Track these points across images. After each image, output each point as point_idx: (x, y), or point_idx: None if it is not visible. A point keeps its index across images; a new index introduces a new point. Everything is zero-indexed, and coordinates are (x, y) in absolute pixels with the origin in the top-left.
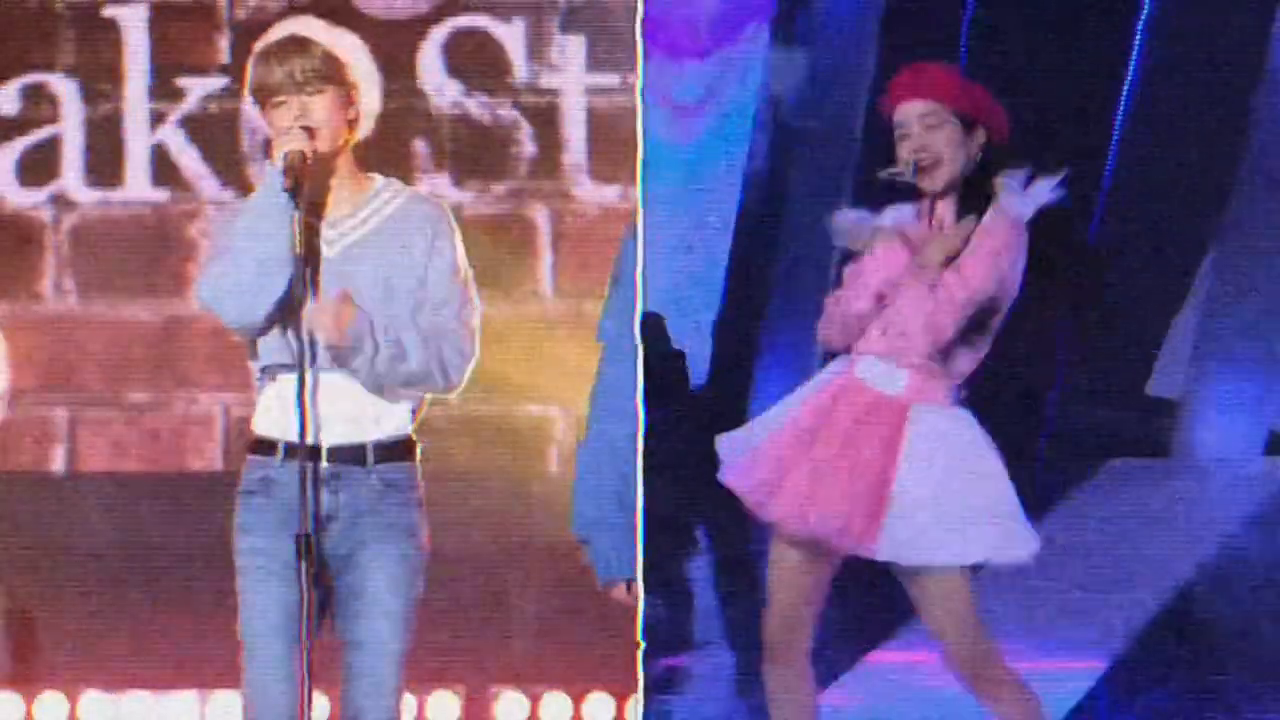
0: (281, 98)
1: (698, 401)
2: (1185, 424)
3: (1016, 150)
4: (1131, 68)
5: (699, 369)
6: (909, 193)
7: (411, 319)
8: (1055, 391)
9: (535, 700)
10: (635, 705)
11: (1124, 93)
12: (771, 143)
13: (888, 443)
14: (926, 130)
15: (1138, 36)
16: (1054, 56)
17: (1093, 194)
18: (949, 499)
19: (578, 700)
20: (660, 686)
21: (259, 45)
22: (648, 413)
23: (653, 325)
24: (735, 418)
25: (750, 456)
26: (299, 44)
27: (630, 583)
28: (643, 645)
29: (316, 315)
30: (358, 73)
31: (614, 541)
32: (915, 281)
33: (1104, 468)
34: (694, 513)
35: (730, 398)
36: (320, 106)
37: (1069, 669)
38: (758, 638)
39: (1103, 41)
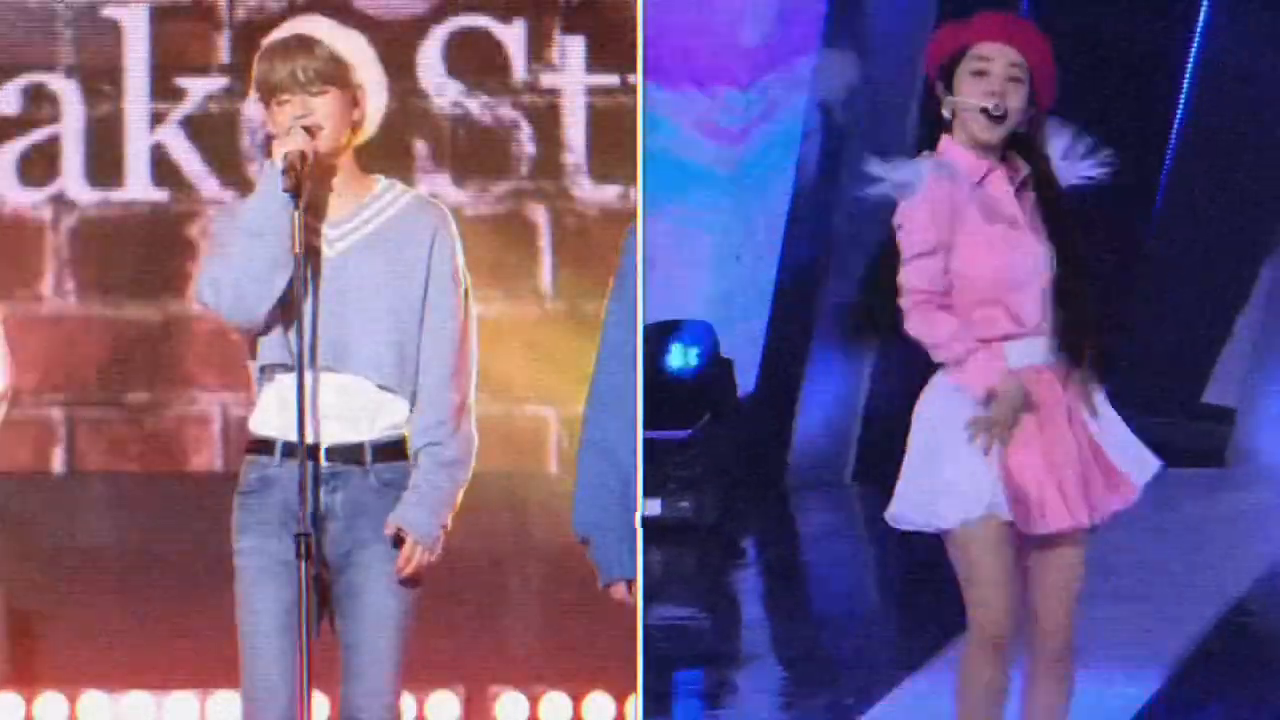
0: (285, 96)
1: (746, 409)
2: (1242, 432)
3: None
4: (1189, 75)
5: (747, 377)
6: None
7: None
8: (1109, 399)
9: (535, 700)
10: (635, 705)
11: (1182, 100)
12: (821, 149)
13: (1078, 410)
14: (1010, 81)
15: (1196, 42)
16: (1112, 66)
17: (1150, 200)
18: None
19: (578, 700)
20: (708, 699)
21: (265, 42)
22: (694, 421)
23: (700, 332)
24: (783, 426)
25: (1012, 495)
26: (304, 43)
27: (630, 583)
28: (640, 659)
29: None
30: (364, 75)
31: (614, 541)
32: (1035, 248)
33: (1160, 477)
34: (740, 523)
35: (779, 406)
36: (323, 106)
37: (1124, 682)
38: (804, 651)
39: (1161, 47)
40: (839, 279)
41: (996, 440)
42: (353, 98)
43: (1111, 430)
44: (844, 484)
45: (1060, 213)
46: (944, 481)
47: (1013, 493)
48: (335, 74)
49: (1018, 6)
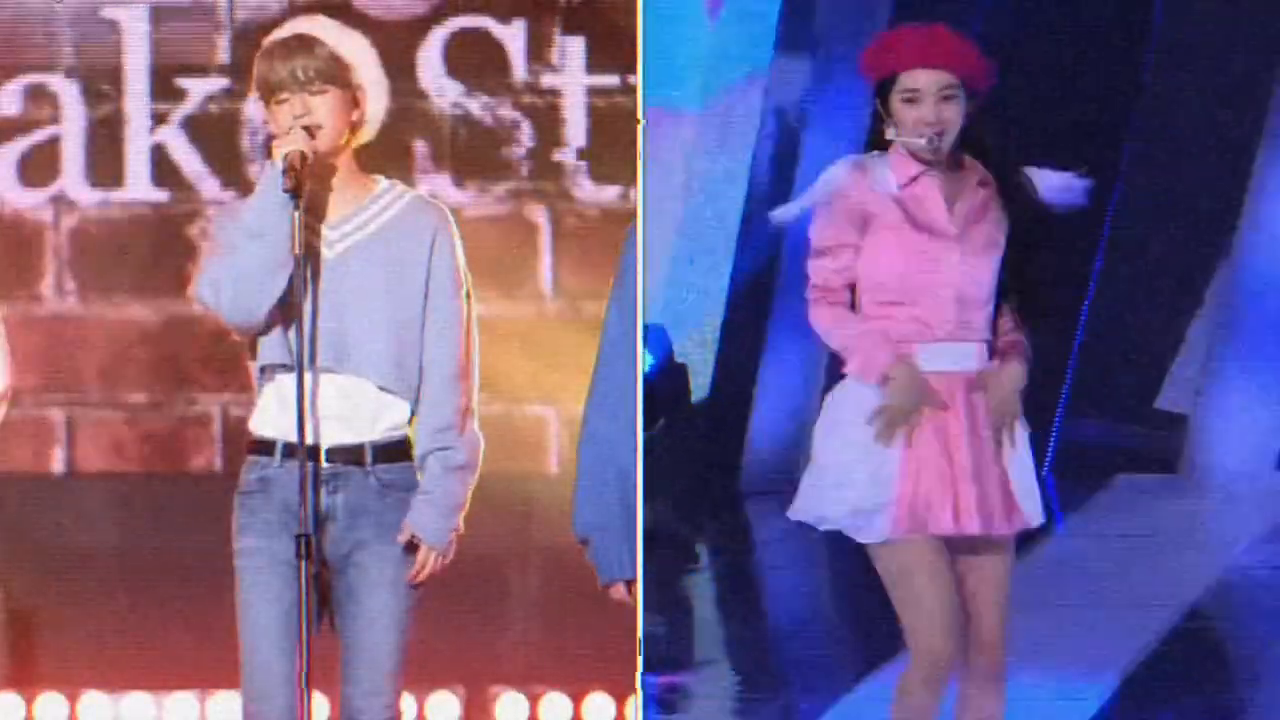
0: (285, 95)
1: (699, 414)
2: (1195, 439)
3: (1020, 138)
4: (1143, 80)
5: (701, 381)
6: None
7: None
8: (1063, 405)
9: (535, 700)
10: (635, 705)
11: (1134, 106)
12: (775, 150)
13: (986, 419)
14: (942, 102)
15: (1149, 48)
16: (1067, 68)
17: (1103, 205)
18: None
19: (578, 700)
20: (661, 705)
21: (266, 42)
22: (648, 426)
23: (655, 337)
24: (737, 430)
25: (893, 500)
26: (305, 42)
27: (630, 583)
28: (641, 659)
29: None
30: (364, 75)
31: (614, 541)
32: (951, 256)
33: (1112, 483)
34: (694, 527)
35: (732, 410)
36: (322, 106)
37: (1078, 686)
38: (757, 656)
39: (1115, 51)
40: (793, 284)
41: (899, 430)
42: (353, 98)
43: (1023, 468)
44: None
45: (1015, 211)
46: (837, 476)
47: (902, 489)
48: (335, 74)
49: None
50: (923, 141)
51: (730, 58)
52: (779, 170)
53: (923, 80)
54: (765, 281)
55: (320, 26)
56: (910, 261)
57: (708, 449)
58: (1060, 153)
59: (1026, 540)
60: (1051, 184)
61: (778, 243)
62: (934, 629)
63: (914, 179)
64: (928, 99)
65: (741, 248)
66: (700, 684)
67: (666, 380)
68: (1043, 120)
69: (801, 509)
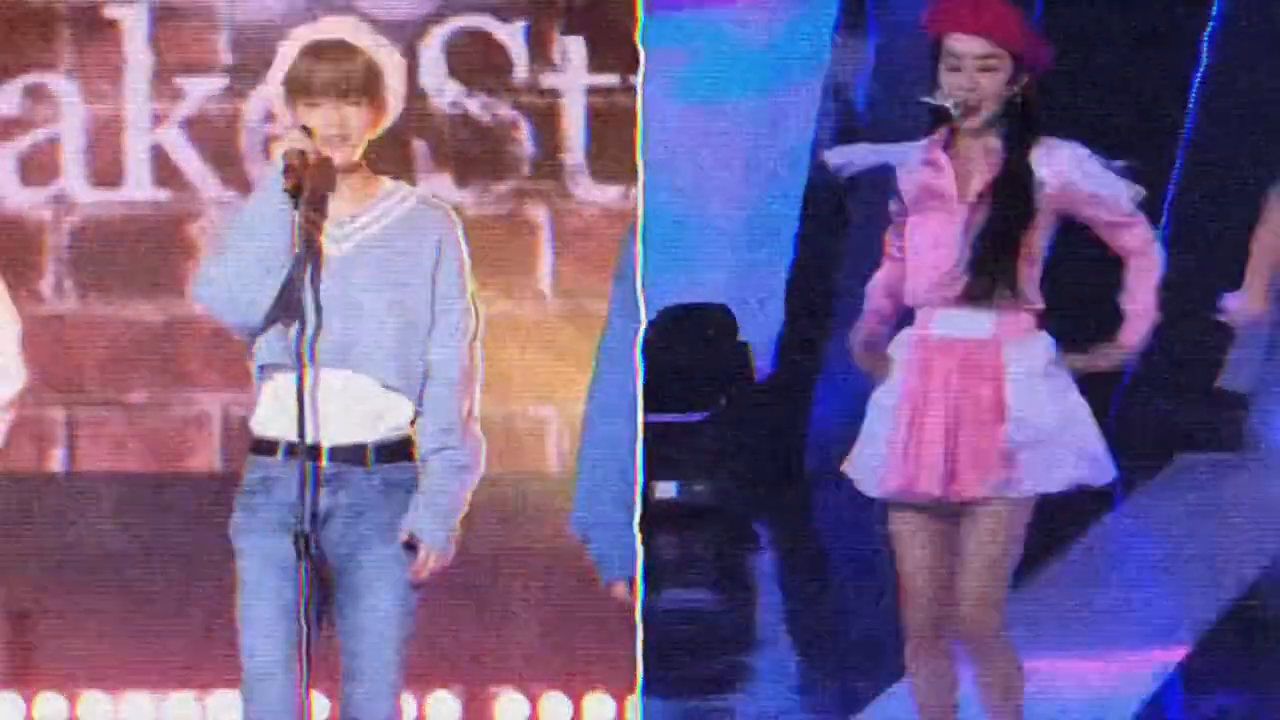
0: (318, 100)
1: (761, 393)
2: (1256, 418)
3: (1077, 126)
4: (1203, 58)
5: (764, 361)
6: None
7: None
8: (1123, 384)
9: (535, 700)
10: (635, 705)
11: (1195, 81)
12: (836, 129)
13: (994, 386)
14: (982, 71)
15: (1210, 29)
16: (1126, 47)
17: (1163, 183)
18: (1057, 425)
19: (578, 700)
20: (722, 685)
21: (305, 40)
22: (710, 405)
23: (718, 317)
24: (799, 411)
25: (882, 461)
26: (349, 52)
27: (630, 582)
28: (641, 659)
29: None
30: (392, 87)
31: (614, 540)
32: (958, 223)
33: (1173, 462)
34: (755, 506)
35: (795, 391)
36: (355, 117)
37: (1136, 666)
38: (819, 636)
39: (1174, 36)
40: (856, 263)
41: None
42: (380, 108)
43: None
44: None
45: (1008, 191)
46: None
47: (890, 450)
48: (370, 85)
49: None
50: (949, 105)
51: (790, 37)
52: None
53: (963, 47)
54: (829, 261)
55: (360, 33)
56: (927, 234)
57: (769, 428)
58: (1116, 145)
59: (1084, 518)
60: (1089, 170)
61: (842, 221)
62: (910, 597)
63: (932, 152)
64: (967, 66)
65: (804, 226)
66: (760, 663)
67: (728, 359)
68: (1098, 107)
69: (1047, 482)
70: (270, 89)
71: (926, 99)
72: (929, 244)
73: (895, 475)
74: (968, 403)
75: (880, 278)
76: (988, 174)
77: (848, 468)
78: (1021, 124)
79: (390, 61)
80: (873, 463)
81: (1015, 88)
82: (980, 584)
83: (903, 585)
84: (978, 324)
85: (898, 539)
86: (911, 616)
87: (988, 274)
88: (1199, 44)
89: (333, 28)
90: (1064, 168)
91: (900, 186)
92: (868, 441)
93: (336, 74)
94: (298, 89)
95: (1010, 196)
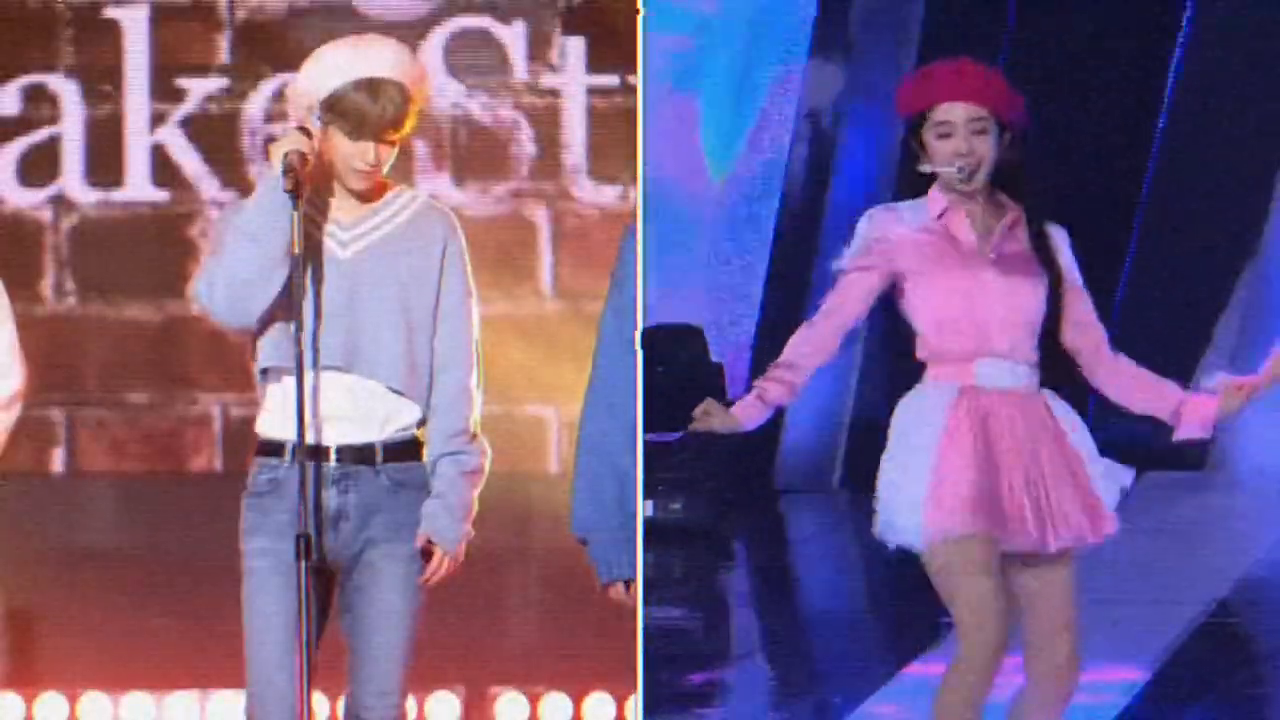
0: (363, 137)
1: None
2: (1223, 436)
3: (1050, 154)
4: (1171, 78)
5: (737, 382)
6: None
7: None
8: (1092, 402)
9: (535, 700)
10: (635, 705)
11: (1165, 100)
12: (810, 154)
13: (1054, 434)
14: (974, 135)
15: (1178, 49)
16: (1094, 68)
17: (1133, 203)
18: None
19: (578, 700)
20: (699, 699)
21: (360, 71)
22: (685, 425)
23: (691, 338)
24: (771, 431)
25: (934, 506)
26: (402, 95)
27: (629, 583)
28: (641, 659)
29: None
30: (415, 116)
31: (613, 541)
32: (988, 281)
33: (1139, 480)
34: (730, 526)
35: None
36: (386, 152)
37: (1106, 681)
38: (793, 651)
39: (1143, 53)
40: (827, 285)
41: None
42: (404, 134)
43: (1086, 450)
44: (832, 488)
45: (1044, 246)
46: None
47: (937, 493)
48: (404, 120)
49: (1005, 12)
50: (955, 170)
51: (764, 61)
52: (813, 173)
53: (954, 113)
54: (801, 284)
55: (404, 64)
56: (954, 287)
57: (743, 448)
58: (1088, 154)
59: None
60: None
61: (813, 245)
62: (977, 620)
63: (946, 209)
64: (960, 131)
65: (777, 250)
66: (735, 678)
67: (702, 380)
68: (1069, 121)
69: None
70: (293, 90)
71: (926, 168)
72: (952, 299)
73: (980, 518)
74: (1044, 452)
75: (811, 336)
76: (1005, 231)
77: (887, 533)
78: (1015, 185)
79: (423, 93)
80: (928, 509)
81: (1003, 149)
82: (1073, 635)
83: (962, 611)
84: (1017, 376)
85: (956, 570)
86: (976, 640)
87: (1038, 331)
88: (1170, 54)
89: (379, 52)
90: (1066, 249)
91: (894, 250)
92: (905, 488)
93: (387, 119)
94: (341, 118)
95: (1045, 254)
